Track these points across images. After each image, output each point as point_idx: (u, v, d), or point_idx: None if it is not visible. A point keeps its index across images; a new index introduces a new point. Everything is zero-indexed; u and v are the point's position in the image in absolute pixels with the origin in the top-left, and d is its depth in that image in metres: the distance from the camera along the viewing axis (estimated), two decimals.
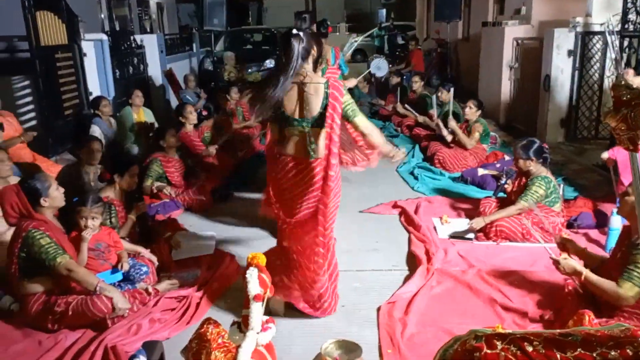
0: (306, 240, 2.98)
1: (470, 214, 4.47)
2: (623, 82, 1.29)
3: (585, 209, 4.34)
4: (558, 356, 1.25)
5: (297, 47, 2.80)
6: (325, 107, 2.82)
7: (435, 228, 4.29)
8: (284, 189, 3.00)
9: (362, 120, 2.94)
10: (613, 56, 4.87)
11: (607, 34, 4.84)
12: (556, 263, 2.88)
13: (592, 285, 2.72)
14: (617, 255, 2.71)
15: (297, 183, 2.93)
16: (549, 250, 3.02)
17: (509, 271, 3.52)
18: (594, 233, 4.07)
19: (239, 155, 6.17)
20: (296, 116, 2.88)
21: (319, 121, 2.83)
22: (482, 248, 3.95)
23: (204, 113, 7.14)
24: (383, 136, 3.09)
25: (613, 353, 1.23)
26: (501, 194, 4.57)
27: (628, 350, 1.23)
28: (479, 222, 4.03)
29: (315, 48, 2.93)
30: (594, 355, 1.23)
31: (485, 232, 4.05)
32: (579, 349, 1.25)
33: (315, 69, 2.96)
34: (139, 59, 8.95)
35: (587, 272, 2.74)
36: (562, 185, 4.44)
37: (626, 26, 5.93)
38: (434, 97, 6.91)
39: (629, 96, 1.30)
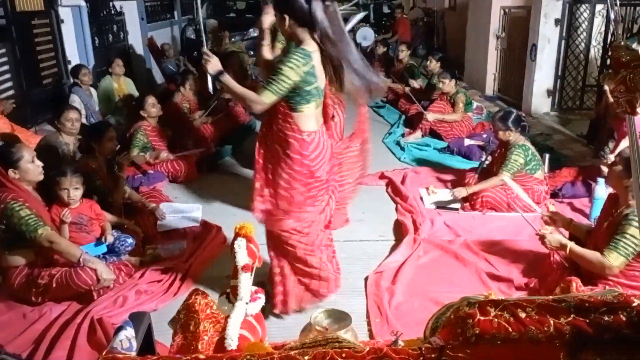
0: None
1: (457, 185, 4.47)
2: (622, 44, 1.25)
3: (569, 179, 4.37)
4: (551, 322, 1.25)
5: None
6: None
7: (421, 198, 4.29)
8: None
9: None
10: (612, 16, 4.82)
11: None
12: (541, 237, 2.87)
13: (577, 257, 2.72)
14: (604, 224, 2.72)
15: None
16: (532, 224, 3.01)
17: (495, 241, 3.55)
18: (579, 202, 4.12)
19: (225, 125, 6.07)
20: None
21: None
22: (468, 218, 3.97)
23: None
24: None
25: (607, 318, 1.23)
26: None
27: (622, 316, 1.23)
28: (461, 192, 4.08)
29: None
30: (588, 320, 1.23)
31: (471, 203, 4.08)
32: (572, 315, 1.25)
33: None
34: (118, 27, 8.70)
35: (571, 245, 2.74)
36: (546, 156, 4.46)
37: None
38: (420, 67, 6.85)
39: (628, 57, 1.27)
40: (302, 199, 2.60)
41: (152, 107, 5.01)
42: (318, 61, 2.49)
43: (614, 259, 2.55)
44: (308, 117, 2.55)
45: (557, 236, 2.85)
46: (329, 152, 2.69)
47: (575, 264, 2.82)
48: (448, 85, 5.92)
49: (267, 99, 2.43)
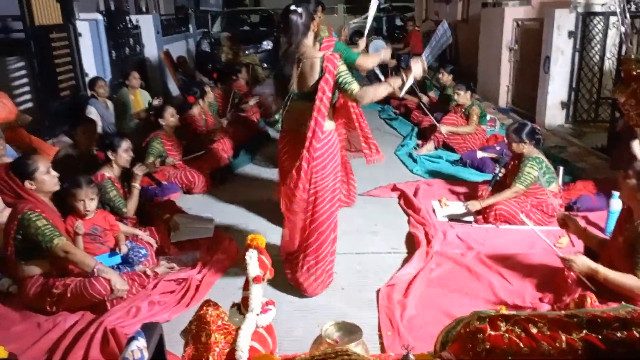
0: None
1: (469, 197, 4.45)
2: (633, 57, 1.25)
3: (584, 192, 4.32)
4: (563, 337, 1.24)
5: (297, 22, 2.90)
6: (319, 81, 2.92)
7: (434, 211, 4.27)
8: (282, 161, 3.21)
9: (355, 87, 2.91)
10: (623, 29, 4.79)
11: (617, 11, 4.77)
12: (566, 261, 2.69)
13: (611, 282, 2.54)
14: (618, 239, 2.67)
15: (292, 156, 3.08)
16: (555, 248, 2.89)
17: (508, 254, 3.51)
18: (594, 216, 4.06)
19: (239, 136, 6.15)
20: (296, 90, 3.02)
21: (314, 94, 2.91)
22: (482, 231, 3.94)
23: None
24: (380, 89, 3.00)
25: (619, 334, 1.21)
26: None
27: (634, 332, 1.21)
28: (474, 205, 4.05)
29: (314, 23, 3.04)
30: (600, 336, 1.22)
31: (484, 215, 4.05)
32: (584, 331, 1.24)
33: (314, 43, 3.08)
34: (135, 40, 8.84)
35: (604, 270, 2.58)
36: (561, 168, 4.43)
37: (629, 6, 5.85)
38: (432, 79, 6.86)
39: (638, 71, 1.27)
40: None
41: (172, 116, 5.07)
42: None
43: None
44: None
45: (585, 260, 2.67)
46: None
47: (590, 277, 2.77)
48: (463, 97, 5.91)
49: None
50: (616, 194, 3.70)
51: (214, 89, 6.80)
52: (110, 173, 3.73)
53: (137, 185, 3.77)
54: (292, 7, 2.92)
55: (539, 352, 1.24)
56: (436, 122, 6.02)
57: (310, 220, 3.01)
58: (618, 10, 4.52)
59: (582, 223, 3.94)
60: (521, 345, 1.25)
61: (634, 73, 1.48)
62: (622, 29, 4.61)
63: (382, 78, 5.80)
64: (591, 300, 2.23)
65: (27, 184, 2.94)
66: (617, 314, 1.27)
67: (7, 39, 6.31)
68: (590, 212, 4.11)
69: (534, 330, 1.28)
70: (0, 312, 2.97)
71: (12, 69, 5.97)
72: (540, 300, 2.94)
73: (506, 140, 4.23)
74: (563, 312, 1.33)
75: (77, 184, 3.20)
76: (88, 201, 3.20)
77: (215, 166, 5.24)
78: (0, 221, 3.24)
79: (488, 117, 6.64)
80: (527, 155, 3.95)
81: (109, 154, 3.75)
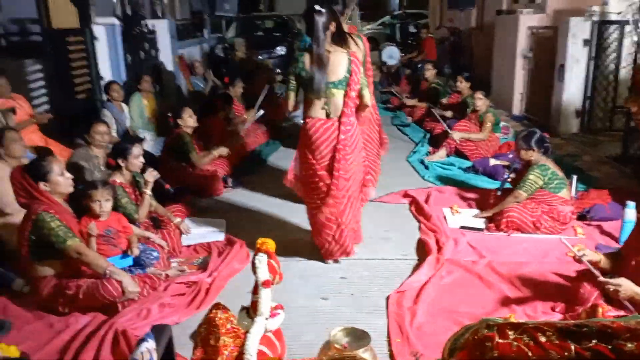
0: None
1: (481, 205, 4.44)
2: None
3: (598, 201, 4.28)
4: (572, 347, 1.23)
5: (317, 21, 3.26)
6: (350, 73, 3.30)
7: (445, 218, 4.26)
8: (312, 150, 3.38)
9: (367, 93, 3.47)
10: (635, 39, 4.76)
11: (630, 21, 4.75)
12: (609, 286, 2.52)
13: None
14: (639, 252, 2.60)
15: (322, 142, 3.36)
16: (596, 272, 2.69)
17: (520, 262, 3.49)
18: (608, 225, 4.02)
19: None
20: (329, 79, 3.31)
21: (343, 84, 3.31)
22: (493, 239, 3.92)
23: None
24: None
25: (630, 345, 1.20)
26: (508, 185, 4.51)
27: None
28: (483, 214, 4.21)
29: (333, 24, 3.35)
30: (610, 347, 1.21)
31: (496, 223, 4.03)
32: (594, 341, 1.22)
33: (333, 41, 3.39)
34: (150, 44, 8.92)
35: None
36: (574, 177, 4.39)
37: None
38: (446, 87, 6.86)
39: None
40: None
41: (190, 117, 5.12)
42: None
43: None
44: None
45: (631, 285, 2.50)
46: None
47: (602, 288, 2.73)
48: (483, 103, 5.91)
49: None
50: (631, 203, 3.67)
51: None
52: (121, 179, 3.75)
53: (148, 192, 3.79)
54: (316, 7, 3.27)
55: None
56: (448, 129, 6.00)
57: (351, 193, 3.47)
58: (631, 20, 4.50)
59: (596, 232, 3.92)
60: (530, 354, 1.24)
61: None
62: (635, 39, 4.58)
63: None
64: (603, 310, 2.21)
65: (41, 185, 2.98)
66: (628, 324, 1.26)
67: (24, 42, 6.42)
68: (604, 222, 4.07)
69: (543, 339, 1.27)
70: (13, 311, 3.00)
71: (28, 71, 6.06)
72: (552, 309, 2.91)
73: (515, 147, 4.23)
74: (572, 321, 1.32)
75: (93, 185, 3.25)
76: (104, 202, 3.24)
77: (227, 171, 5.27)
78: (15, 222, 3.29)
79: (502, 124, 6.61)
80: (534, 163, 3.95)
81: (120, 161, 3.78)
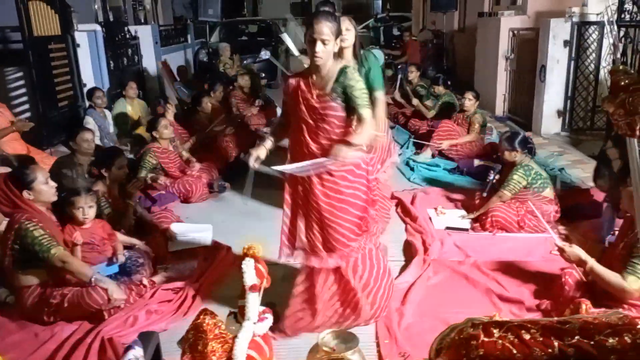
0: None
1: (466, 205, 4.48)
2: (621, 68, 1.28)
3: (580, 199, 4.34)
4: (556, 344, 1.25)
5: None
6: None
7: (430, 219, 4.29)
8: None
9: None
10: (611, 41, 4.85)
11: (606, 23, 4.83)
12: (561, 250, 2.80)
13: (596, 276, 2.64)
14: (619, 246, 2.68)
15: None
16: (554, 234, 2.97)
17: (505, 261, 3.53)
18: (589, 223, 4.07)
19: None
20: None
21: None
22: (478, 239, 3.95)
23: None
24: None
25: (611, 340, 1.22)
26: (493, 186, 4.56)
27: (626, 338, 1.22)
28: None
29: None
30: (592, 342, 1.23)
31: (481, 223, 4.07)
32: (576, 337, 1.25)
33: None
34: (133, 50, 8.89)
35: (592, 262, 2.66)
36: (557, 176, 4.46)
37: (622, 16, 5.91)
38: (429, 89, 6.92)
39: (627, 81, 1.29)
40: None
41: (165, 128, 5.06)
42: None
43: (633, 282, 2.48)
44: None
45: (577, 250, 2.77)
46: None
47: (588, 284, 2.79)
48: (472, 104, 5.96)
49: None
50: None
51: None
52: (103, 189, 3.74)
53: (131, 203, 3.77)
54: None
55: (531, 358, 1.25)
56: (436, 145, 6.02)
57: None
58: (607, 20, 4.57)
59: (577, 231, 3.98)
60: (514, 351, 1.26)
61: (622, 84, 1.48)
62: (611, 40, 4.64)
63: None
64: (586, 306, 2.25)
65: (25, 194, 2.94)
66: (609, 320, 1.28)
67: (5, 50, 6.36)
68: (586, 220, 4.12)
69: (527, 337, 1.29)
70: None
71: (10, 79, 6.01)
72: (538, 307, 2.94)
73: (499, 148, 4.28)
74: (556, 318, 1.34)
75: (76, 192, 3.22)
76: (87, 209, 3.21)
77: (213, 177, 5.24)
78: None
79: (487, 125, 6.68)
80: (518, 163, 4.01)
81: (102, 171, 3.76)
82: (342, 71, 2.60)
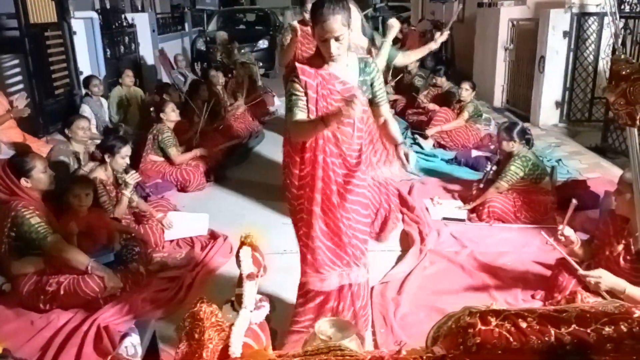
0: None
1: (463, 196, 4.47)
2: (623, 57, 1.27)
3: (578, 190, 4.34)
4: (552, 332, 1.25)
5: None
6: None
7: (427, 209, 4.29)
8: None
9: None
10: (613, 30, 4.82)
11: (608, 13, 4.80)
12: (590, 278, 2.51)
13: (627, 298, 2.37)
14: (615, 245, 2.59)
15: None
16: (575, 265, 2.65)
17: (502, 252, 3.53)
18: (585, 214, 4.08)
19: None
20: None
21: None
22: (475, 229, 3.96)
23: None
24: None
25: (607, 329, 1.23)
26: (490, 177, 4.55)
27: (622, 327, 1.23)
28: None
29: None
30: (589, 331, 1.23)
31: (477, 214, 4.07)
32: (573, 325, 1.25)
33: None
34: (130, 38, 8.84)
35: (630, 288, 2.44)
36: (555, 167, 4.45)
37: (622, 7, 5.89)
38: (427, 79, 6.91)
39: (628, 70, 1.28)
40: None
41: (173, 111, 5.09)
42: None
43: None
44: None
45: (611, 276, 2.50)
46: None
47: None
48: (469, 94, 5.97)
49: None
50: (608, 192, 3.73)
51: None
52: (102, 175, 3.72)
53: (127, 193, 3.74)
54: None
55: (528, 346, 1.25)
56: (422, 139, 6.08)
57: None
58: (609, 11, 4.53)
59: (575, 221, 3.97)
60: (511, 339, 1.26)
61: (623, 73, 1.45)
62: (612, 30, 4.60)
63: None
64: (581, 296, 2.25)
65: (23, 181, 2.94)
66: (606, 309, 1.28)
67: (1, 37, 6.30)
68: (583, 211, 4.13)
69: (524, 325, 1.29)
70: None
71: (6, 66, 5.96)
72: (533, 297, 2.96)
73: (497, 138, 4.28)
74: (552, 307, 1.34)
75: (74, 180, 3.22)
76: (83, 196, 3.21)
77: (210, 165, 5.23)
78: None
79: (484, 116, 6.67)
80: (516, 154, 4.01)
81: (106, 156, 3.75)
82: (365, 62, 2.37)
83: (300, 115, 2.25)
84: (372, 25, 17.09)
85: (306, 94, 2.26)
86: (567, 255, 2.72)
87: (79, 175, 3.29)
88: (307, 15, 3.88)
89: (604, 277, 2.48)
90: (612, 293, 2.48)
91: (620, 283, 2.46)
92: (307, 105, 2.26)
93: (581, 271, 2.60)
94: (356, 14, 3.25)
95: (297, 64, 2.30)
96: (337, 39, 2.18)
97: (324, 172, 2.29)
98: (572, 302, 2.20)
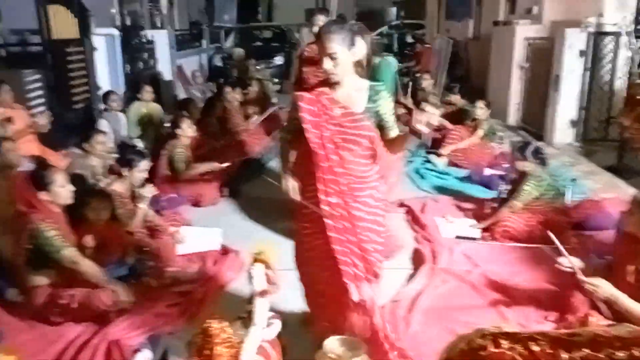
0: None
1: (476, 214, 4.45)
2: (638, 81, 1.27)
3: (592, 211, 4.29)
4: (564, 356, 1.23)
5: None
6: None
7: (438, 227, 4.27)
8: None
9: None
10: (629, 55, 4.80)
11: (623, 34, 4.78)
12: (588, 285, 2.51)
13: (629, 313, 2.37)
14: (628, 267, 2.57)
15: None
16: (578, 271, 2.64)
17: (514, 272, 3.50)
18: (601, 235, 4.03)
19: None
20: None
21: None
22: (488, 248, 3.93)
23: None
24: None
25: (620, 354, 1.21)
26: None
27: (635, 352, 1.21)
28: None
29: None
30: (601, 355, 1.22)
31: (490, 232, 4.05)
32: (585, 350, 1.23)
33: None
34: (149, 55, 8.97)
35: (624, 299, 2.42)
36: (569, 187, 4.42)
37: (639, 27, 5.87)
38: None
39: None
40: None
41: (189, 127, 5.14)
42: None
43: None
44: None
45: (609, 286, 2.49)
46: None
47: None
48: (484, 112, 5.96)
49: None
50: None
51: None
52: (120, 188, 3.77)
53: (142, 207, 3.79)
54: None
55: None
56: (436, 155, 6.08)
57: None
58: (624, 32, 4.50)
59: (590, 242, 3.93)
60: None
61: (638, 97, 1.46)
62: (629, 54, 4.57)
63: None
64: (595, 319, 2.21)
65: (42, 195, 2.98)
66: (619, 333, 1.26)
67: (24, 52, 6.45)
68: (598, 232, 4.08)
69: (536, 349, 1.27)
70: (6, 321, 2.99)
71: (28, 81, 6.08)
72: (545, 318, 2.92)
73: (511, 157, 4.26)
74: (565, 330, 1.33)
75: (91, 194, 3.26)
76: (101, 210, 3.26)
77: (225, 180, 5.25)
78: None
79: (498, 134, 6.65)
80: (530, 174, 3.98)
81: (124, 169, 3.80)
82: (375, 90, 2.40)
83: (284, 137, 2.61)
84: (388, 41, 17.22)
85: (304, 119, 2.37)
86: (572, 263, 2.68)
87: (97, 189, 3.34)
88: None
89: (603, 286, 2.47)
90: (609, 303, 2.48)
91: (617, 294, 2.44)
92: (310, 129, 2.36)
93: (580, 276, 2.58)
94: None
95: (295, 92, 2.46)
96: (331, 57, 2.25)
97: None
98: (585, 325, 2.17)
